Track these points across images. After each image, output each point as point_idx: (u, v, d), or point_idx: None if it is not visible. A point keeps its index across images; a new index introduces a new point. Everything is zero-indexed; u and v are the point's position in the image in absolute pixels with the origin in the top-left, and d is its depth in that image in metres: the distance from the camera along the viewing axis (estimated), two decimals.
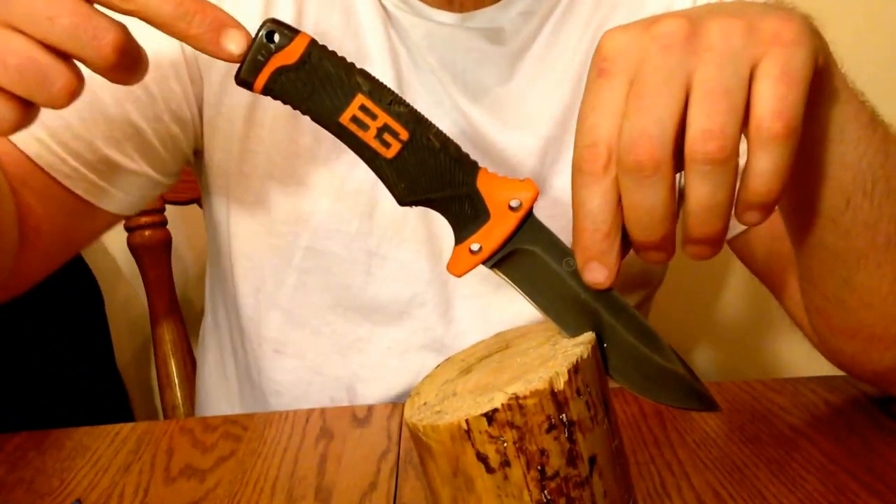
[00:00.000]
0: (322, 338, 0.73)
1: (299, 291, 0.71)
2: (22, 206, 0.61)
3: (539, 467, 0.40)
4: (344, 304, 0.72)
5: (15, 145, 0.61)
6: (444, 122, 0.67)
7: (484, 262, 0.43)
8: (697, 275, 1.28)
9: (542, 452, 0.39)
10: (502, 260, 0.43)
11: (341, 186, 0.68)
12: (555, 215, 0.70)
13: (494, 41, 0.67)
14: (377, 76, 0.63)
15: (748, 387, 0.67)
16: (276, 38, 0.41)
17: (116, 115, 0.64)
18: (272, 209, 0.69)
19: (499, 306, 0.71)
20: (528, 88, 0.69)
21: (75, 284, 1.10)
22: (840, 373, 0.65)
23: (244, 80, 0.42)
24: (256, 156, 0.67)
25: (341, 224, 0.69)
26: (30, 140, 0.62)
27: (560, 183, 0.70)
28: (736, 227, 0.68)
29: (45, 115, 0.57)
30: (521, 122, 0.69)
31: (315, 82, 0.41)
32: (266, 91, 0.42)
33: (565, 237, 0.64)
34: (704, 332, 1.32)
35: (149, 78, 0.57)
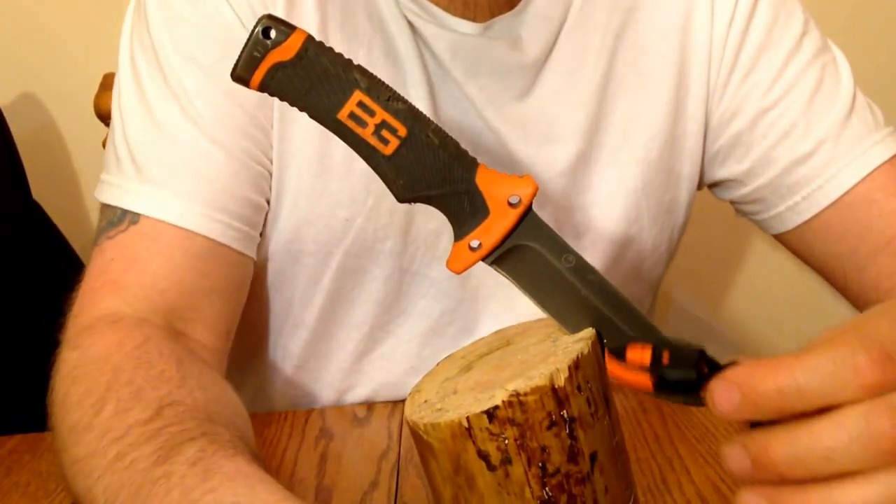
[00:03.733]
0: (345, 354, 0.72)
1: (327, 310, 0.70)
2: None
3: (540, 464, 0.39)
4: (371, 321, 0.70)
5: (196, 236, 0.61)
6: (469, 135, 0.66)
7: (483, 259, 0.43)
8: (711, 269, 1.29)
9: (544, 449, 0.39)
10: (502, 256, 0.43)
11: (377, 204, 0.66)
12: (584, 230, 0.70)
13: (515, 50, 0.66)
14: (412, 86, 0.63)
15: None
16: (273, 34, 0.41)
17: (240, 158, 0.63)
18: (303, 227, 0.67)
19: (519, 321, 0.70)
20: (551, 101, 0.67)
21: (74, 288, 1.10)
22: None
23: (240, 76, 0.41)
24: (288, 170, 0.65)
25: (375, 242, 0.67)
26: (201, 220, 0.61)
27: (590, 197, 0.69)
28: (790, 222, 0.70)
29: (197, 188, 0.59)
30: (546, 137, 0.68)
31: (312, 78, 0.41)
32: (263, 87, 0.41)
33: (589, 253, 0.64)
34: (716, 327, 1.32)
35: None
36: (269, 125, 0.64)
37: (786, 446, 0.33)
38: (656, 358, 0.41)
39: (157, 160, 0.62)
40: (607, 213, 0.70)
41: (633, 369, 0.42)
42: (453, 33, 0.65)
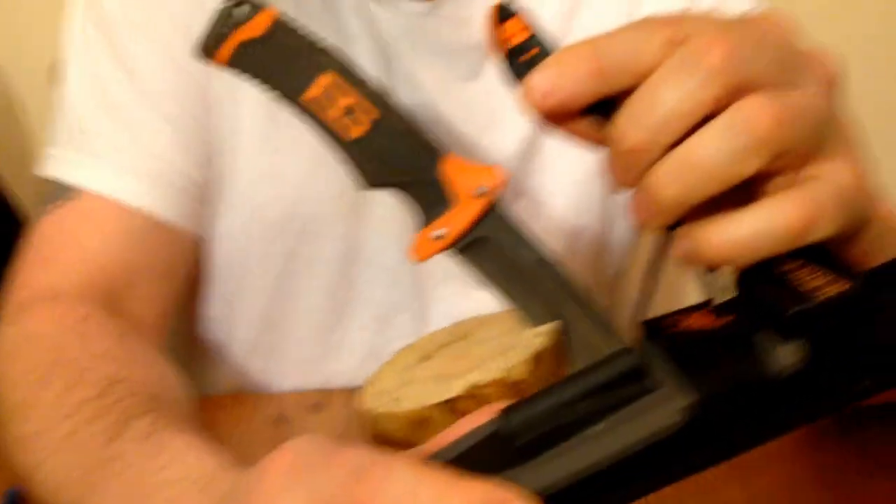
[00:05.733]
0: (297, 341, 0.71)
1: (276, 295, 0.69)
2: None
3: None
4: (323, 308, 0.70)
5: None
6: (418, 116, 0.66)
7: (447, 249, 0.43)
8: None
9: None
10: (467, 247, 0.43)
11: (326, 188, 0.65)
12: (533, 216, 0.70)
13: (463, 30, 0.66)
14: (363, 65, 0.63)
15: None
16: (241, 10, 0.40)
17: (187, 134, 0.63)
18: (250, 210, 0.66)
19: (472, 310, 0.70)
20: (499, 84, 0.68)
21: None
22: None
23: (206, 52, 0.40)
24: (235, 150, 0.64)
25: (324, 227, 0.67)
26: (143, 196, 0.60)
27: (537, 184, 0.69)
28: None
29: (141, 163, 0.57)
30: (493, 121, 0.68)
31: (280, 57, 0.40)
32: (229, 64, 0.41)
33: (544, 240, 0.63)
34: None
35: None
36: (218, 103, 0.63)
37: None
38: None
39: (101, 132, 0.61)
40: (557, 201, 0.70)
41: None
42: (402, 13, 0.65)
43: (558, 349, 0.41)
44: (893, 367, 0.28)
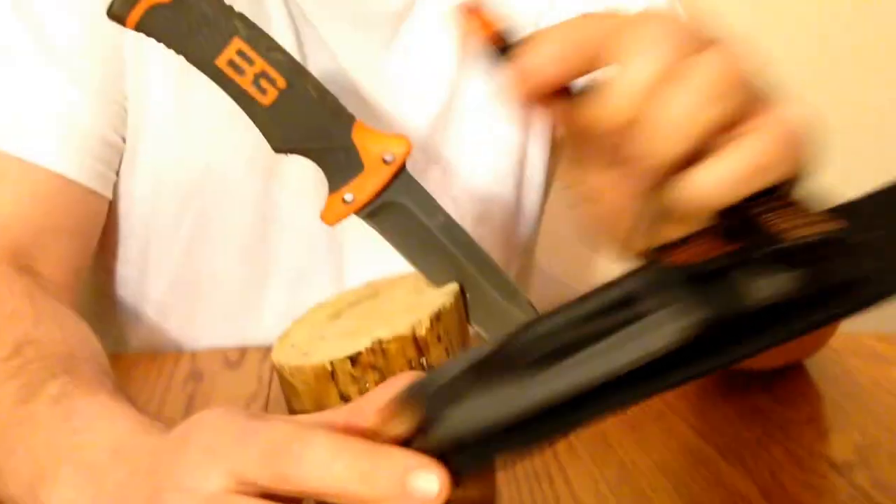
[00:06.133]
0: (212, 302, 0.72)
1: (188, 255, 0.70)
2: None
3: None
4: (238, 269, 0.71)
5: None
6: (334, 83, 0.67)
7: (357, 213, 0.45)
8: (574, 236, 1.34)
9: None
10: (374, 211, 0.45)
11: (238, 150, 0.66)
12: (448, 183, 0.72)
13: (377, 2, 0.67)
14: (278, 32, 0.64)
15: None
16: None
17: (97, 94, 0.62)
18: (161, 170, 0.67)
19: (387, 271, 0.72)
20: (415, 52, 0.69)
21: None
22: None
23: (116, 14, 0.41)
24: (146, 111, 0.64)
25: (237, 189, 0.67)
26: (52, 156, 0.60)
27: (452, 151, 0.71)
28: None
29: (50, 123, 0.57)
30: (409, 88, 0.69)
31: (191, 22, 0.41)
32: (139, 27, 0.42)
33: (454, 207, 0.66)
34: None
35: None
36: (131, 61, 0.63)
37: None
38: None
39: (8, 92, 0.60)
40: (472, 169, 0.72)
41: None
42: None
43: (458, 308, 0.44)
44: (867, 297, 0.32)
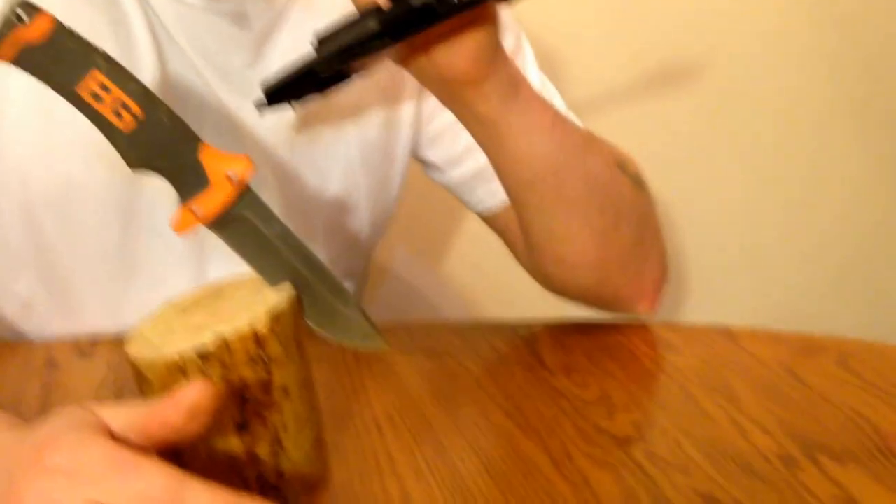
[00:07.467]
0: (76, 300, 0.75)
1: (51, 259, 0.72)
2: None
3: (240, 394, 0.48)
4: (103, 272, 0.74)
5: None
6: (196, 98, 0.71)
7: (204, 224, 0.51)
8: (427, 237, 1.42)
9: (243, 382, 0.48)
10: (220, 222, 0.51)
11: (98, 160, 0.69)
12: (303, 192, 0.77)
13: (240, 25, 0.71)
14: (141, 48, 0.67)
15: (433, 329, 0.80)
16: (22, 15, 0.46)
17: None
18: (24, 179, 0.69)
19: (244, 271, 0.76)
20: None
21: None
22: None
23: None
24: (6, 125, 0.67)
25: (99, 195, 0.70)
26: None
27: (309, 170, 0.77)
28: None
29: None
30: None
31: (57, 58, 0.46)
32: (11, 62, 0.46)
33: (314, 223, 0.74)
34: (431, 295, 1.46)
35: None
36: None
37: None
38: None
39: None
40: (328, 183, 0.78)
41: None
42: (178, 3, 0.70)
43: (293, 306, 0.51)
44: None
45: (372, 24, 0.57)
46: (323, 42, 0.60)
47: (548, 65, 0.86)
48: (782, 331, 0.80)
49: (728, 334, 0.78)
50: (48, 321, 0.76)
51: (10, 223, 0.72)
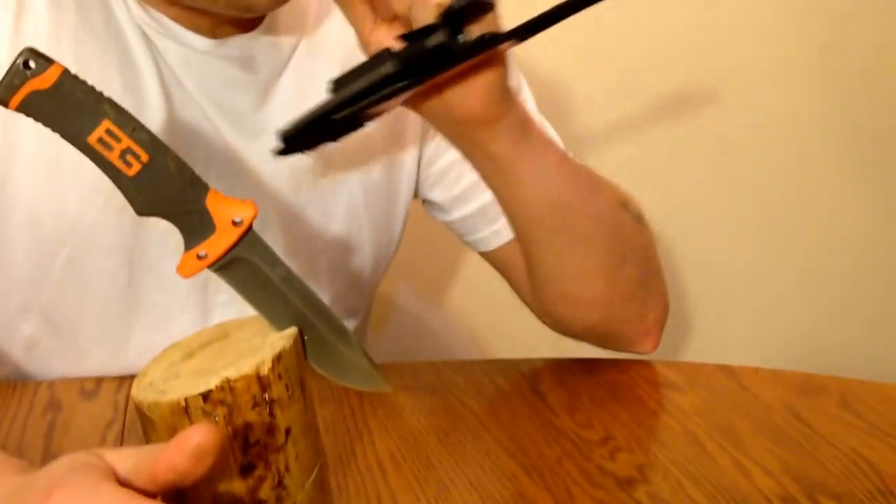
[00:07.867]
0: (80, 341, 0.75)
1: (57, 299, 0.73)
2: None
3: (244, 436, 0.49)
4: (108, 312, 0.74)
5: None
6: (202, 142, 0.71)
7: (209, 267, 0.52)
8: (432, 271, 1.43)
9: (247, 425, 0.49)
10: (225, 266, 0.52)
11: (107, 204, 0.69)
12: (310, 234, 0.78)
13: (247, 69, 0.72)
14: (149, 92, 0.68)
15: (434, 367, 0.80)
16: (32, 65, 0.47)
17: None
18: (31, 224, 0.70)
19: (248, 311, 0.77)
20: (281, 115, 0.75)
21: None
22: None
23: (1, 99, 0.47)
24: (14, 167, 0.68)
25: (105, 238, 0.71)
26: None
27: (314, 211, 0.78)
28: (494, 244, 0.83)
29: None
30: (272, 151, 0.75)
31: (66, 106, 0.47)
32: (20, 109, 0.47)
33: (319, 263, 0.75)
34: (436, 328, 1.47)
35: None
36: None
37: None
38: None
39: None
40: (332, 224, 0.79)
41: None
42: (185, 47, 0.70)
43: (297, 349, 0.51)
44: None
45: (389, 66, 0.57)
46: (339, 86, 0.60)
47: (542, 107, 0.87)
48: (784, 370, 0.80)
49: (730, 373, 0.79)
50: (53, 362, 0.76)
51: (18, 265, 0.72)
